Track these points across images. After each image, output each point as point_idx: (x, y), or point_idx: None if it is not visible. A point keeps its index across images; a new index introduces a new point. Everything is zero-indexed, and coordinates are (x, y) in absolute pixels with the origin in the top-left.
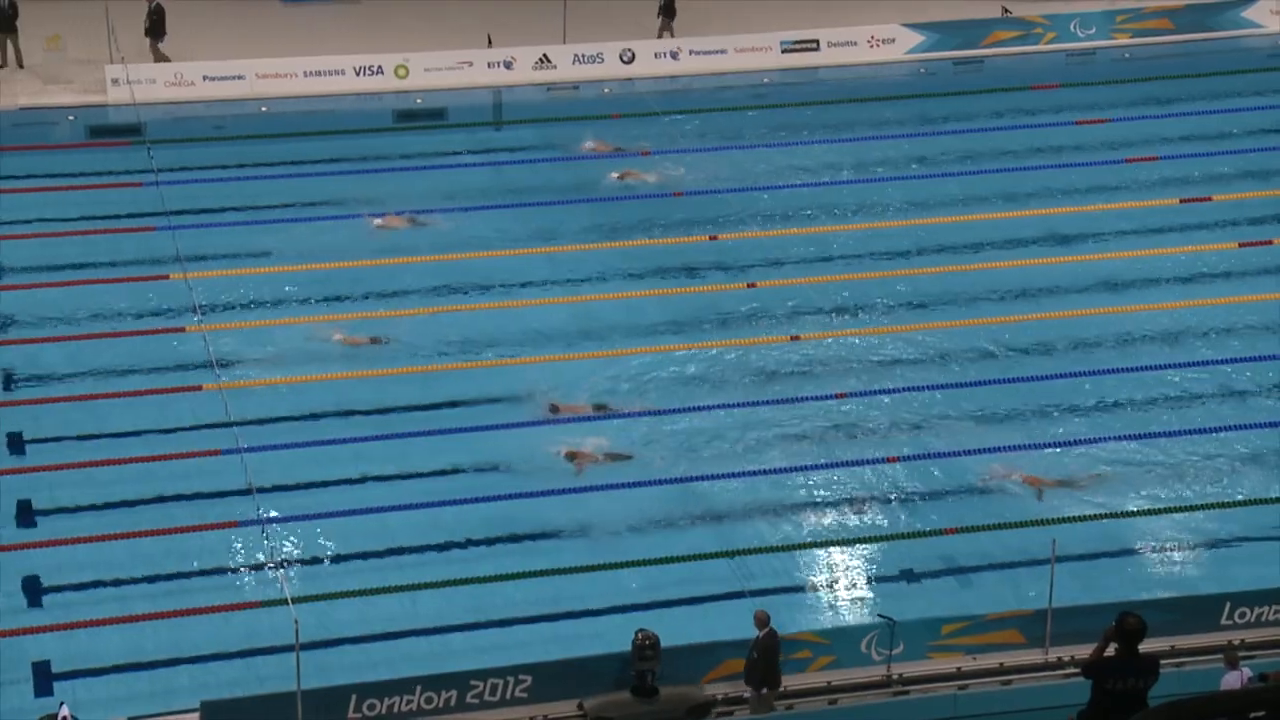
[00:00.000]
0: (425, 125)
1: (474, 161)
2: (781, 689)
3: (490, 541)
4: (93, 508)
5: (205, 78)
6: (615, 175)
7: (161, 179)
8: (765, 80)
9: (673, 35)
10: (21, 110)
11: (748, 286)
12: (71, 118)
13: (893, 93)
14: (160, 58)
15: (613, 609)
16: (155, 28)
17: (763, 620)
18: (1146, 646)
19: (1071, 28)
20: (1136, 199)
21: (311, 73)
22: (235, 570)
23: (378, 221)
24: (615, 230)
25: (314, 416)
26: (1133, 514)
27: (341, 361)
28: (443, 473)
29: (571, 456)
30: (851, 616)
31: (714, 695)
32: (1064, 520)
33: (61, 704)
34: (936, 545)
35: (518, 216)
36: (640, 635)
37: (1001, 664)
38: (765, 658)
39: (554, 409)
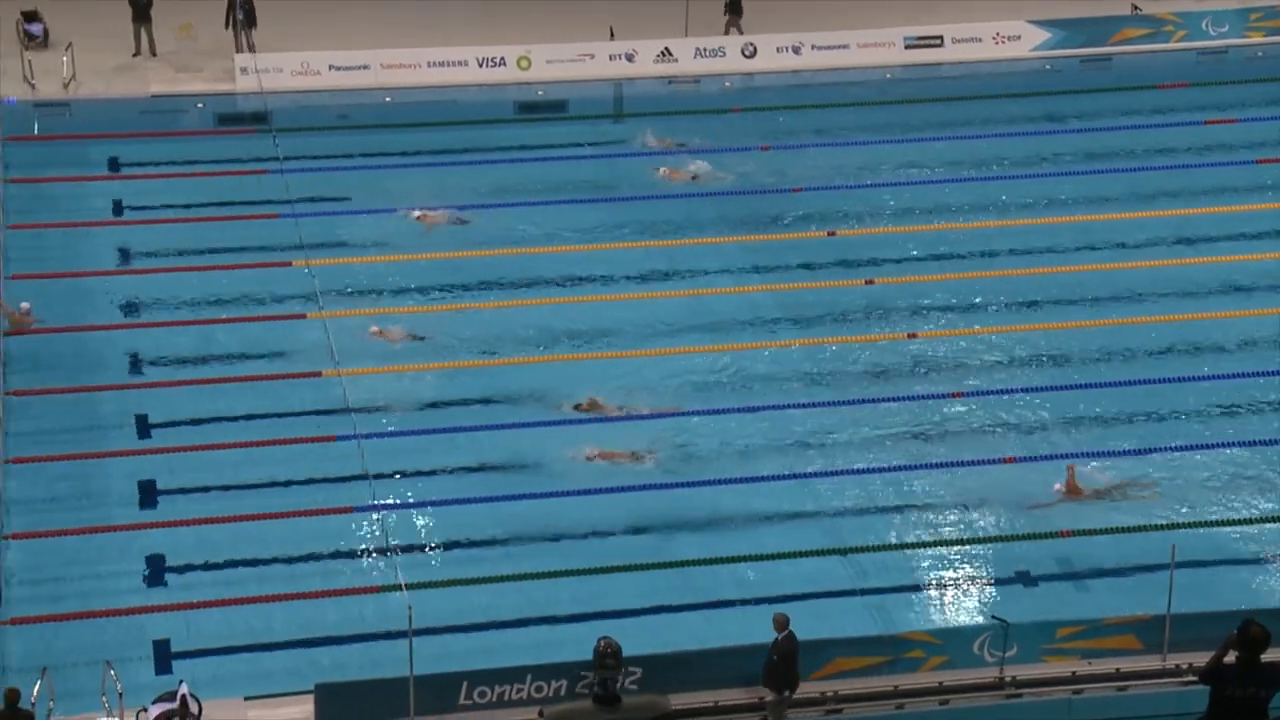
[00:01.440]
0: (546, 117)
1: (592, 154)
2: (799, 693)
3: (602, 535)
4: (212, 490)
5: (331, 67)
6: (663, 171)
7: (286, 167)
8: (888, 76)
9: (741, 33)
10: (153, 97)
11: (865, 283)
12: (200, 105)
13: (1017, 90)
14: (248, 47)
15: (725, 603)
16: (249, 18)
17: (782, 623)
18: (1269, 657)
19: (1203, 26)
20: (1266, 201)
21: (435, 64)
22: (351, 555)
23: (416, 214)
24: (733, 225)
25: (431, 405)
26: (1255, 521)
27: (452, 349)
28: (559, 463)
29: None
30: (965, 617)
31: (677, 705)
32: (1184, 525)
33: (180, 682)
34: (1053, 547)
35: (634, 209)
36: (602, 643)
37: (1118, 669)
38: (785, 661)
39: (578, 407)
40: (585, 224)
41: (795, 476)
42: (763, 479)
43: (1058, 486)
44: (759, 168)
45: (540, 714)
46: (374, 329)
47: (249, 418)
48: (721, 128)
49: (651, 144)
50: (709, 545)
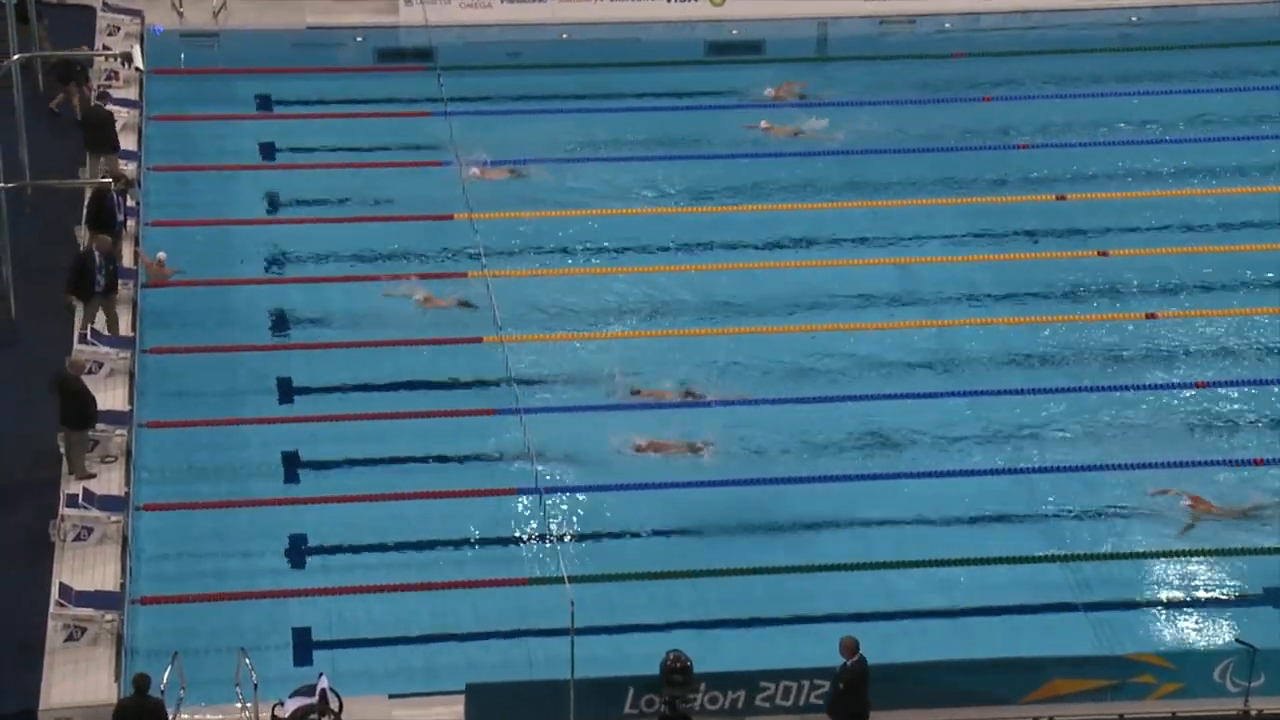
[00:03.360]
0: (740, 60)
1: (789, 101)
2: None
3: (790, 528)
4: (358, 463)
5: None
6: (763, 125)
7: (451, 109)
8: (1134, 20)
9: None
10: (309, 30)
11: (1098, 255)
12: (360, 39)
13: None
14: None
15: (932, 613)
16: None
17: (851, 648)
18: None
19: None
20: None
21: None
22: (509, 542)
23: (474, 171)
24: (948, 185)
25: (592, 381)
26: None
27: (630, 317)
28: (751, 445)
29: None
30: (1204, 639)
31: None
32: None
33: (321, 675)
34: None
35: (841, 164)
36: (671, 656)
37: None
38: (853, 688)
39: (635, 391)
40: (781, 179)
41: (1010, 471)
42: (973, 472)
43: (1185, 503)
44: (980, 122)
45: None
46: (420, 296)
47: (400, 386)
48: (938, 75)
49: (769, 95)
50: (909, 544)
